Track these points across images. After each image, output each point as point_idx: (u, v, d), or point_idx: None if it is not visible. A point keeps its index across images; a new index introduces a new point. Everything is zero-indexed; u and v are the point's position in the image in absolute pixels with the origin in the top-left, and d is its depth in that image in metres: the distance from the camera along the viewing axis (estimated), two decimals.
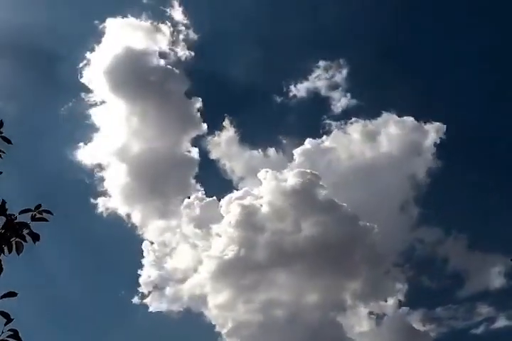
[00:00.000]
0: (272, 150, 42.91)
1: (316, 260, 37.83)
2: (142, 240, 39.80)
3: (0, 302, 5.28)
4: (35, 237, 5.55)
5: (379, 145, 42.82)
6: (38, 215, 5.57)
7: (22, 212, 5.56)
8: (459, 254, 41.61)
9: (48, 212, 5.62)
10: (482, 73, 46.04)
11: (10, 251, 5.47)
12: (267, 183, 38.79)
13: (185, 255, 39.71)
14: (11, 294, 5.35)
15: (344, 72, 43.09)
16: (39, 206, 5.61)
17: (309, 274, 38.39)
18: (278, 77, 44.75)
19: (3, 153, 5.76)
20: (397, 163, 42.73)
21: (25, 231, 5.51)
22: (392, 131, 42.79)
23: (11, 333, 5.24)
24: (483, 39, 44.96)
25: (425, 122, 42.03)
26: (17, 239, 5.49)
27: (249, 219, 38.07)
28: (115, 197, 40.50)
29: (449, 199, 43.89)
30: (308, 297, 38.31)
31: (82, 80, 40.62)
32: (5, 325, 5.25)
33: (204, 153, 41.38)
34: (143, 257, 39.21)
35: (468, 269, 41.36)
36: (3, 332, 5.23)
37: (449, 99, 45.86)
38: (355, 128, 42.46)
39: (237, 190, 40.56)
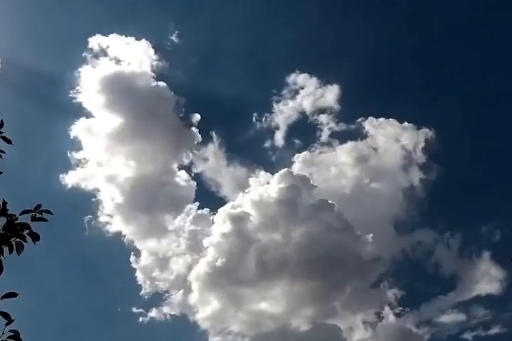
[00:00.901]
0: (259, 169, 42.92)
1: (307, 269, 37.91)
2: (135, 255, 39.77)
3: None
4: (36, 237, 5.53)
5: (369, 160, 42.99)
6: (38, 215, 5.56)
7: (23, 212, 5.54)
8: (453, 259, 41.72)
9: (48, 212, 5.60)
10: (471, 77, 46.40)
11: (10, 251, 5.44)
12: (255, 195, 39.22)
13: (178, 269, 39.67)
14: (12, 294, 5.32)
15: (334, 90, 43.02)
16: (39, 206, 5.59)
17: (301, 283, 38.43)
18: (266, 96, 44.84)
19: (4, 153, 5.76)
20: (388, 172, 42.97)
21: (25, 232, 5.50)
22: (381, 140, 42.95)
23: (12, 334, 5.21)
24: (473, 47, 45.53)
25: (418, 128, 42.12)
26: (17, 240, 5.46)
27: (239, 231, 38.35)
28: (107, 215, 40.38)
29: (441, 204, 44.03)
30: (301, 306, 38.28)
31: (76, 100, 40.69)
32: (5, 325, 5.22)
33: (195, 170, 41.75)
34: (135, 272, 39.10)
35: (463, 274, 41.40)
36: (3, 333, 5.20)
37: (438, 106, 46.14)
38: (345, 147, 42.67)
39: (226, 203, 40.59)
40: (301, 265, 37.73)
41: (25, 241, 5.47)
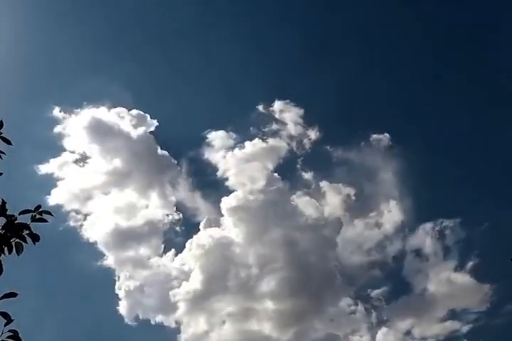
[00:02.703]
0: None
1: (291, 286, 38.52)
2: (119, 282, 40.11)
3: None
4: (35, 238, 5.54)
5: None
6: (37, 216, 5.57)
7: (22, 212, 5.55)
8: (436, 272, 42.22)
9: (48, 213, 5.62)
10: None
11: (10, 251, 5.45)
12: (234, 218, 40.06)
13: (162, 291, 40.11)
14: (11, 294, 5.33)
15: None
16: (39, 207, 5.61)
17: (285, 302, 38.92)
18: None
19: (3, 154, 5.76)
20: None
21: (25, 232, 5.51)
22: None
23: (11, 334, 5.22)
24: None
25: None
26: (17, 240, 5.47)
27: (220, 255, 39.46)
28: (90, 245, 41.15)
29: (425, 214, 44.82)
30: (288, 324, 38.72)
31: (61, 141, 41.82)
32: (5, 325, 5.22)
33: (174, 199, 42.82)
34: (119, 299, 39.42)
35: (447, 286, 41.85)
36: (3, 333, 5.20)
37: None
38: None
39: (206, 227, 41.14)
40: (286, 282, 38.46)
41: (25, 241, 5.49)
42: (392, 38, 47.96)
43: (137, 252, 41.57)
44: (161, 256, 41.21)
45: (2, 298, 5.24)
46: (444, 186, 45.86)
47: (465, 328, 38.73)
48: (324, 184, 43.09)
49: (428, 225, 42.17)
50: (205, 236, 39.95)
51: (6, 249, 5.44)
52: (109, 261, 40.62)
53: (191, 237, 40.65)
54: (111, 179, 42.52)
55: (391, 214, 42.91)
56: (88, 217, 41.21)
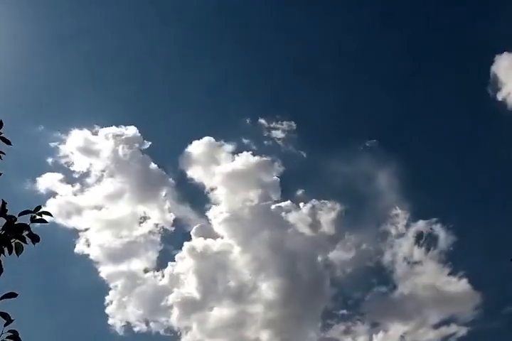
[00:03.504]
0: None
1: (283, 295, 38.86)
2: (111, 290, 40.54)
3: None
4: (35, 239, 5.57)
5: None
6: (37, 217, 5.59)
7: (22, 213, 5.57)
8: (427, 279, 42.54)
9: (48, 213, 5.64)
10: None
11: (10, 252, 5.48)
12: (226, 225, 40.54)
13: (155, 300, 40.65)
14: (11, 295, 5.36)
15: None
16: (39, 207, 5.63)
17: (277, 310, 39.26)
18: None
19: (3, 154, 5.76)
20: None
21: (24, 233, 5.53)
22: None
23: (11, 334, 5.25)
24: None
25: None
26: (17, 241, 5.50)
27: (211, 263, 40.21)
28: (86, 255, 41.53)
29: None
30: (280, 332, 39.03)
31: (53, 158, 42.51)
32: (5, 325, 5.25)
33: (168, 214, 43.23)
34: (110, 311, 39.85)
35: (439, 293, 42.10)
36: (2, 333, 5.23)
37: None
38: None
39: (197, 236, 41.54)
40: (277, 291, 38.84)
41: (25, 242, 5.51)
42: (392, 38, 47.90)
43: (130, 264, 42.19)
44: (154, 267, 41.96)
45: (2, 298, 5.27)
46: (441, 187, 46.29)
47: (459, 333, 38.98)
48: (315, 200, 43.28)
49: (423, 228, 42.54)
50: (196, 248, 40.61)
51: (6, 249, 5.46)
52: (103, 274, 41.14)
53: (182, 249, 41.32)
54: (103, 194, 43.15)
55: (387, 219, 43.22)
56: (81, 233, 41.76)
